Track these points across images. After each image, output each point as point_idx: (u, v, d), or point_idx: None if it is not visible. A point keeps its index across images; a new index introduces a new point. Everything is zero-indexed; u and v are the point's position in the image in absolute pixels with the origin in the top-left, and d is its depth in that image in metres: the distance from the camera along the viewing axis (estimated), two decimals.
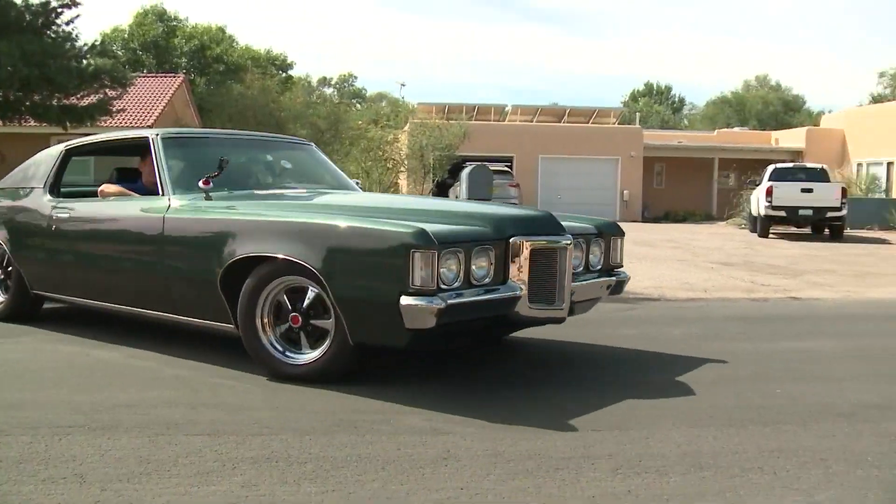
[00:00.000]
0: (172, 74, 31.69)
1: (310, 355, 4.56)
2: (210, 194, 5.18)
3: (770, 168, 20.79)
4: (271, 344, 4.64)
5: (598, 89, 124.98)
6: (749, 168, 28.36)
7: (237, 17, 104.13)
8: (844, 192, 19.34)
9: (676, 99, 75.30)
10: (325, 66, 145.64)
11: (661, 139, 35.61)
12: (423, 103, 35.81)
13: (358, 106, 52.30)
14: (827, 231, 19.64)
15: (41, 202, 6.24)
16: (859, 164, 29.35)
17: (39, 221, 6.17)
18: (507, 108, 36.84)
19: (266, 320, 4.64)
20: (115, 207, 5.79)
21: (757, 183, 20.65)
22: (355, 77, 70.21)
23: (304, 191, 5.98)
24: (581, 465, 3.29)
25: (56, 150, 6.53)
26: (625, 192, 30.34)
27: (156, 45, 41.90)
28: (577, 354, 5.52)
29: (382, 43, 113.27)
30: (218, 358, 5.14)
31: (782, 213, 18.69)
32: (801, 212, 18.76)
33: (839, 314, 7.67)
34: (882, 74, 62.62)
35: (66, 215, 5.96)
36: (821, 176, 20.03)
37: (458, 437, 3.64)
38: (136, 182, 6.01)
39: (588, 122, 35.33)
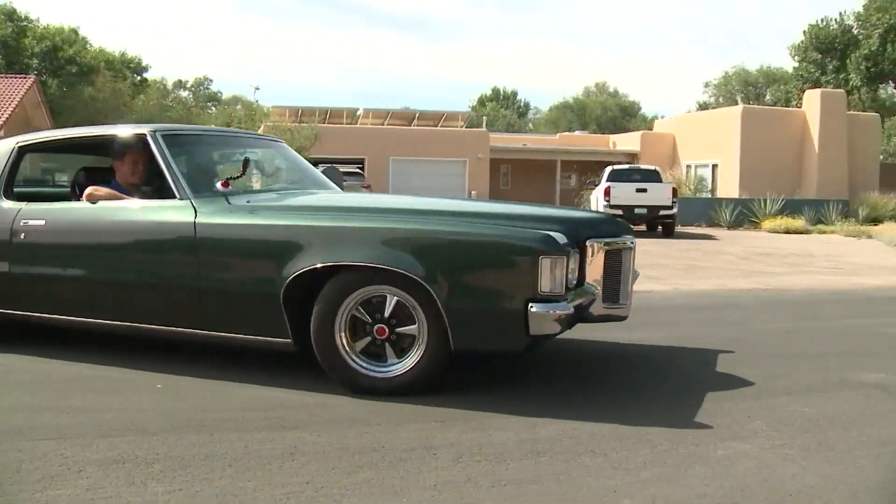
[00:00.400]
0: (23, 76, 30.24)
1: (400, 366, 4.28)
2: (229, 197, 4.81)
3: (608, 169, 21.54)
4: (353, 359, 4.32)
5: (448, 94, 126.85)
6: (589, 169, 29.41)
7: (91, 19, 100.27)
8: (675, 191, 20.26)
9: (522, 104, 76.87)
10: (181, 70, 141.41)
11: (507, 142, 36.35)
12: (276, 106, 35.80)
13: (213, 109, 51.28)
14: (660, 228, 20.49)
15: None
16: (688, 166, 30.76)
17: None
18: (358, 112, 37.05)
19: (345, 333, 4.30)
20: (117, 213, 5.08)
21: (596, 183, 21.42)
22: (211, 80, 68.66)
23: (322, 191, 5.66)
24: (423, 456, 3.38)
25: (5, 147, 5.69)
26: (472, 192, 30.84)
27: (5, 44, 40.04)
28: None
29: (238, 46, 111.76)
30: (60, 357, 5.04)
31: (619, 212, 19.42)
32: (636, 210, 19.46)
33: (669, 305, 8.04)
34: (707, 84, 66.30)
35: (42, 223, 5.20)
36: (654, 177, 20.95)
37: (305, 432, 3.67)
38: (110, 183, 5.42)
39: (437, 126, 35.83)
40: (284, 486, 3.05)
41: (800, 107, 29.77)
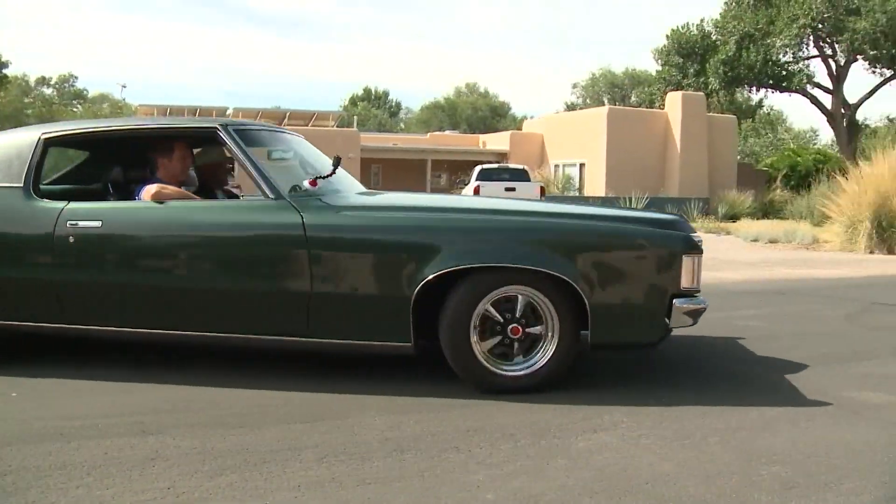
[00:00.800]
0: None
1: (529, 364, 4.34)
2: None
3: (477, 169, 21.74)
4: (486, 359, 4.32)
5: (319, 93, 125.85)
6: (459, 168, 29.56)
7: None
8: (543, 190, 20.58)
9: (394, 104, 76.95)
10: (46, 66, 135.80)
11: (378, 141, 36.38)
12: (143, 105, 35.08)
13: (78, 107, 49.47)
14: None
15: (28, 207, 4.76)
16: (556, 165, 31.29)
17: (31, 231, 4.74)
18: (228, 111, 36.37)
19: (477, 335, 4.29)
20: (200, 215, 4.73)
21: (466, 182, 21.53)
22: (76, 77, 66.09)
23: (388, 192, 5.55)
24: (288, 457, 3.35)
25: (27, 140, 4.97)
26: None
27: None
28: (271, 350, 5.33)
29: (105, 43, 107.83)
30: None
31: None
32: None
33: None
34: (575, 85, 67.61)
35: (98, 224, 4.62)
36: (522, 176, 21.22)
37: (168, 436, 3.59)
38: (147, 180, 5.00)
39: (308, 125, 35.45)
40: (145, 492, 2.97)
41: (663, 108, 30.65)
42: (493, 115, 69.57)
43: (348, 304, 4.41)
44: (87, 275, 4.65)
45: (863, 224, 14.86)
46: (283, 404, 4.12)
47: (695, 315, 4.39)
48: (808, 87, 39.49)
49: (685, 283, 4.33)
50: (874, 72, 38.74)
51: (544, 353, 4.33)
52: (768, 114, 55.30)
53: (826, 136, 60.21)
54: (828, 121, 40.63)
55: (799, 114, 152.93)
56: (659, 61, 41.47)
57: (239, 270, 4.57)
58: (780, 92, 39.81)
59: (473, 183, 20.25)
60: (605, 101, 62.12)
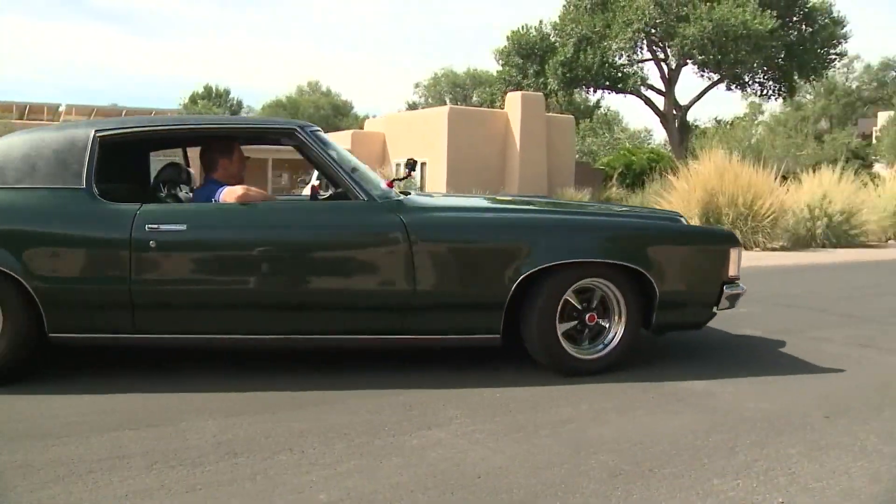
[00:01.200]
0: None
1: (601, 348, 4.83)
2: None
3: None
4: (565, 345, 4.72)
5: (158, 90, 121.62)
6: (301, 167, 29.13)
7: None
8: (391, 184, 20.45)
9: (235, 102, 75.35)
10: None
11: None
12: None
13: None
14: None
15: (96, 209, 4.42)
16: (398, 164, 31.30)
17: (103, 236, 4.39)
18: (61, 108, 34.91)
19: (559, 322, 4.66)
20: (294, 216, 4.81)
21: (307, 182, 21.26)
22: None
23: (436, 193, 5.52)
24: (115, 466, 3.25)
25: (79, 138, 4.55)
26: None
27: None
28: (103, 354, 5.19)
29: None
30: None
31: None
32: None
33: None
34: (418, 85, 67.98)
35: (183, 227, 4.40)
36: None
37: None
38: (211, 181, 4.92)
39: None
40: None
41: (503, 108, 31.07)
42: (335, 114, 69.18)
43: (447, 301, 4.60)
44: (172, 281, 4.47)
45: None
46: (110, 410, 3.98)
47: (735, 300, 5.06)
48: (643, 89, 40.90)
49: (732, 272, 5.04)
50: (703, 76, 40.49)
51: (614, 339, 4.83)
52: (605, 114, 56.90)
53: (659, 136, 62.48)
54: (661, 121, 42.23)
55: (634, 114, 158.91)
56: (500, 62, 42.04)
57: (342, 272, 4.61)
58: (617, 93, 41.05)
59: (314, 181, 20.00)
60: (447, 101, 62.69)
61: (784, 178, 16.79)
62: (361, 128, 39.57)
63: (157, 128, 5.10)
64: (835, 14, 40.05)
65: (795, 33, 39.54)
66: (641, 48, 39.82)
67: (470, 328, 4.67)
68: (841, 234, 16.52)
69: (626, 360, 4.93)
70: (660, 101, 41.57)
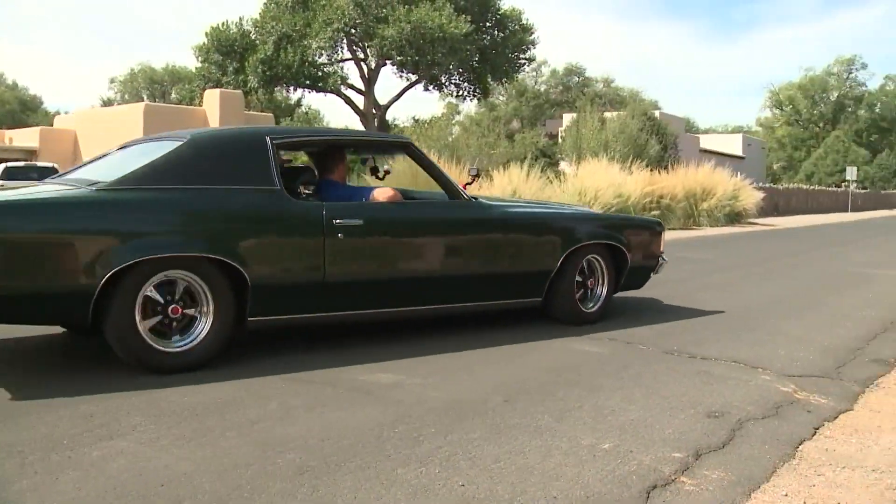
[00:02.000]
0: None
1: (591, 306, 6.74)
2: None
3: (1, 167, 20.09)
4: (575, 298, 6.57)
5: None
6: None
7: None
8: None
9: None
10: None
11: None
12: None
13: None
14: None
15: (293, 207, 5.17)
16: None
17: (303, 230, 5.13)
18: None
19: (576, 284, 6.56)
20: (433, 211, 6.03)
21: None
22: None
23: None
24: None
25: (257, 143, 5.23)
26: None
27: None
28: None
29: None
30: None
31: None
32: None
33: None
34: (113, 80, 64.77)
35: (359, 222, 5.32)
36: (52, 175, 19.84)
37: None
38: (330, 182, 5.99)
39: None
40: None
41: (202, 106, 30.32)
42: (22, 109, 64.59)
43: (515, 275, 6.25)
44: (353, 266, 5.40)
45: None
46: None
47: (661, 267, 7.41)
48: (343, 88, 41.42)
49: (662, 248, 7.37)
50: (401, 76, 41.65)
51: (601, 296, 6.82)
52: (306, 113, 57.14)
53: None
54: (361, 120, 42.91)
55: (335, 113, 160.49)
56: (199, 59, 40.96)
57: (465, 255, 6.02)
58: (317, 92, 41.30)
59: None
60: (145, 98, 60.41)
61: (477, 175, 17.59)
62: (51, 125, 37.20)
63: (313, 137, 6.67)
64: (524, 21, 42.58)
65: (488, 38, 41.63)
66: (341, 48, 40.30)
67: (526, 295, 6.38)
68: None
69: (310, 358, 5.00)
70: (360, 101, 42.28)
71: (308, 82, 39.55)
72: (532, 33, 42.90)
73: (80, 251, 4.42)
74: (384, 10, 36.68)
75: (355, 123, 43.30)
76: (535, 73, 77.65)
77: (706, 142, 58.72)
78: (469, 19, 36.98)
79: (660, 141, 35.32)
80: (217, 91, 28.73)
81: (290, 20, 37.95)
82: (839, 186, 62.99)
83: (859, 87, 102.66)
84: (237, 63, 38.76)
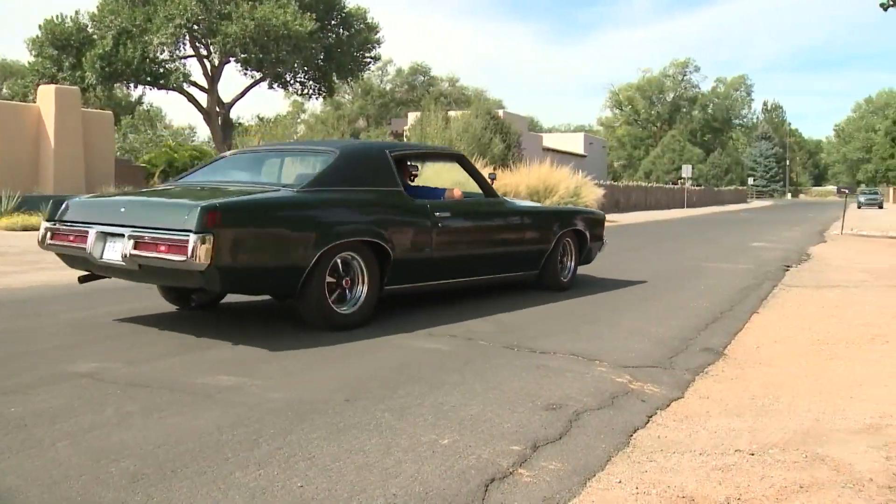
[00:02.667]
0: None
1: (566, 273, 9.14)
2: None
3: None
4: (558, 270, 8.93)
5: None
6: None
7: None
8: None
9: None
10: None
11: None
12: None
13: None
14: None
15: (412, 203, 7.04)
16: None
17: (417, 222, 6.94)
18: None
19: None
20: (485, 207, 8.21)
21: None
22: None
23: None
24: None
25: (379, 155, 7.04)
26: None
27: None
28: None
29: None
30: None
31: None
32: None
33: None
34: None
35: (448, 214, 7.31)
36: None
37: None
38: (417, 187, 8.01)
39: None
40: None
41: (36, 102, 28.97)
42: None
43: (528, 252, 8.45)
44: (445, 246, 7.24)
45: None
46: None
47: (603, 248, 9.96)
48: (186, 86, 40.34)
49: (604, 233, 9.91)
50: (246, 74, 40.91)
51: (571, 269, 9.16)
52: (148, 111, 55.48)
53: (203, 132, 62.16)
54: (204, 118, 41.96)
55: (178, 111, 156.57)
56: (33, 53, 39.08)
57: (508, 238, 8.31)
58: (159, 89, 40.11)
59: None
60: None
61: None
62: None
63: (406, 151, 8.31)
64: (369, 20, 42.53)
65: (334, 36, 41.39)
66: (184, 44, 39.23)
67: (528, 269, 8.53)
68: None
69: (148, 362, 4.83)
70: (203, 98, 41.31)
71: (149, 79, 38.34)
72: (377, 32, 42.92)
73: (299, 238, 5.94)
74: (227, 7, 35.96)
75: (198, 122, 42.31)
76: (380, 72, 77.89)
77: (549, 140, 60.14)
78: (314, 17, 36.66)
79: (503, 139, 35.94)
80: (52, 87, 27.40)
81: (129, 15, 36.68)
82: (675, 184, 65.65)
83: (693, 88, 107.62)
84: (74, 58, 37.20)
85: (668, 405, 4.46)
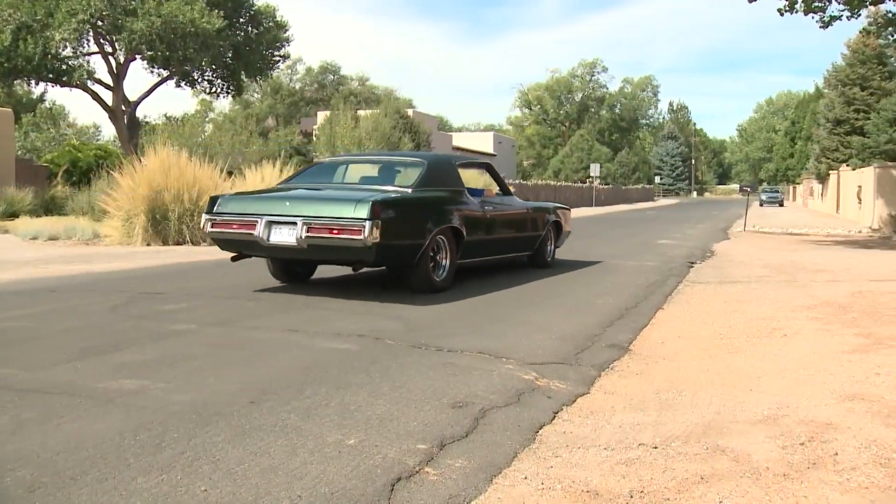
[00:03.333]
0: None
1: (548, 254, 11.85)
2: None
3: None
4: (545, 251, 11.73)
5: None
6: None
7: None
8: None
9: None
10: None
11: None
12: None
13: None
14: None
15: (472, 201, 9.52)
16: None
17: (476, 213, 9.46)
18: None
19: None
20: (509, 203, 10.89)
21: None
22: None
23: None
24: None
25: (448, 164, 9.87)
26: None
27: None
28: None
29: None
30: None
31: None
32: None
33: None
34: None
35: (492, 208, 9.92)
36: None
37: None
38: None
39: None
40: None
41: None
42: None
43: (530, 236, 11.02)
44: (491, 231, 9.85)
45: (139, 217, 15.22)
46: None
47: (569, 236, 12.98)
48: (90, 83, 39.33)
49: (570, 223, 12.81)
50: (152, 71, 40.11)
51: (552, 250, 11.82)
52: (50, 108, 53.97)
53: (109, 131, 60.74)
54: (109, 117, 40.98)
55: (83, 109, 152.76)
56: None
57: (517, 224, 10.73)
58: (62, 86, 39.03)
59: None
60: None
61: (230, 173, 17.28)
62: None
63: (465, 161, 12.22)
64: (279, 18, 42.13)
65: (242, 34, 40.87)
66: (88, 40, 38.23)
67: (526, 250, 11.05)
68: None
69: (44, 367, 4.67)
70: (108, 96, 40.35)
71: (51, 76, 37.28)
72: (287, 30, 42.57)
73: (420, 223, 8.24)
74: (133, 3, 35.20)
75: (104, 120, 41.33)
76: (290, 71, 77.29)
77: (459, 140, 60.56)
78: (222, 14, 36.13)
79: (413, 139, 36.09)
80: None
81: (29, 9, 35.54)
82: (584, 182, 66.61)
83: (601, 88, 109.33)
84: None
85: (573, 401, 4.52)
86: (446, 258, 8.67)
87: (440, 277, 8.54)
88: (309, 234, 7.52)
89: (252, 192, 9.95)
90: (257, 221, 7.88)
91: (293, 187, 9.18)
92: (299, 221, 7.58)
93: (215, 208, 8.35)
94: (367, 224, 7.26)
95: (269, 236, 7.80)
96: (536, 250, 11.19)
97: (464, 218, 8.95)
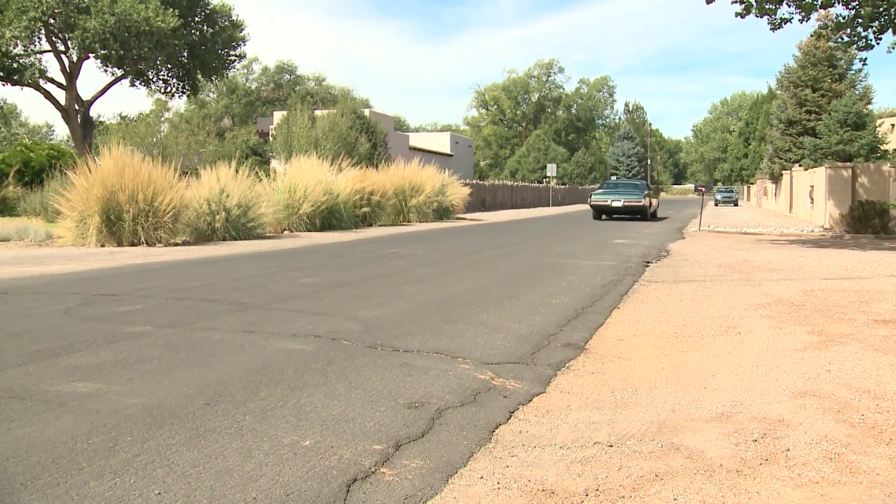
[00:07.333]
0: None
1: None
2: None
3: None
4: None
5: None
6: None
7: None
8: None
9: None
10: None
11: None
12: None
13: None
14: None
15: (651, 194, 35.34)
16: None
17: (652, 199, 36.06)
18: None
19: None
20: (654, 193, 37.26)
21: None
22: None
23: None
24: None
25: (644, 182, 34.32)
26: None
27: None
28: None
29: None
30: None
31: None
32: None
33: None
34: None
35: (650, 192, 35.14)
36: None
37: None
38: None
39: None
40: None
41: None
42: None
43: (654, 209, 36.59)
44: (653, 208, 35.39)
45: (93, 218, 15.03)
46: None
47: None
48: (42, 82, 38.76)
49: None
50: (106, 70, 39.64)
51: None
52: (1, 107, 53.00)
53: (62, 131, 59.92)
54: (62, 116, 40.42)
55: (35, 108, 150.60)
56: None
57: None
58: (13, 85, 38.37)
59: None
60: None
61: (185, 173, 17.13)
62: None
63: (637, 181, 36.41)
64: (234, 17, 41.85)
65: (198, 33, 40.57)
66: (39, 38, 37.68)
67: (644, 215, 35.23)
68: (240, 226, 17.36)
69: (11, 376, 4.60)
70: (61, 95, 39.80)
71: (2, 74, 36.69)
72: (242, 29, 42.34)
73: (649, 200, 33.28)
74: (86, 1, 34.76)
75: (57, 120, 40.65)
76: (246, 71, 76.72)
77: (416, 140, 60.46)
78: (177, 13, 35.88)
79: (370, 139, 36.03)
80: None
81: None
82: (541, 182, 66.92)
83: (558, 89, 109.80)
84: None
85: (529, 400, 4.54)
86: (650, 216, 31.90)
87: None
88: (626, 202, 30.78)
89: (601, 191, 32.58)
90: (608, 199, 31.30)
91: (611, 189, 32.00)
92: (622, 198, 30.84)
93: (593, 194, 32.59)
94: (644, 199, 30.96)
95: (611, 203, 31.10)
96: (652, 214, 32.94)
97: (652, 201, 31.53)
